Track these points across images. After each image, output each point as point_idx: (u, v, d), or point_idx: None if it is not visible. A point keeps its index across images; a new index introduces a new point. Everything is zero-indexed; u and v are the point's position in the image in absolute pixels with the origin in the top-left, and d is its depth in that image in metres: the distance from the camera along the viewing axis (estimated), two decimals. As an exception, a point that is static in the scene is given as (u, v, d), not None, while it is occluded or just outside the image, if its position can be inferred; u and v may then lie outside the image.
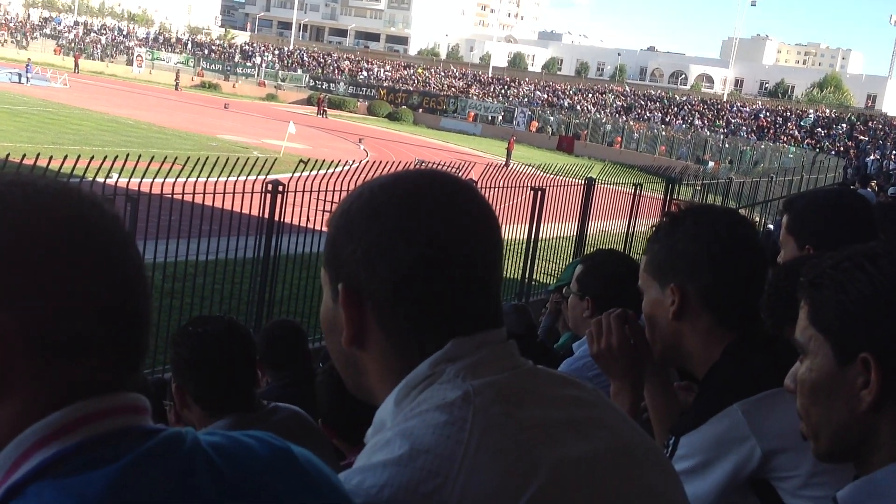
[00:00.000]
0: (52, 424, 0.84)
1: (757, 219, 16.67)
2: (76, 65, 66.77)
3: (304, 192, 8.54)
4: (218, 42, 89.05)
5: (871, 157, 44.24)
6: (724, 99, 71.63)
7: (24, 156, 7.22)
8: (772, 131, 59.13)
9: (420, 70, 79.91)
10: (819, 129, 57.63)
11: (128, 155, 7.79)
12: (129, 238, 0.93)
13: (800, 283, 1.34)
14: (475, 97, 70.51)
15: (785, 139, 56.24)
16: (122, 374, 0.90)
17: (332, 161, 9.52)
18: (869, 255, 1.25)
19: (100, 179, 6.92)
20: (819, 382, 1.29)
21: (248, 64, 78.22)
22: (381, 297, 1.11)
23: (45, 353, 0.85)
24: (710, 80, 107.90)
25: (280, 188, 8.25)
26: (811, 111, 62.33)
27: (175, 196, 7.70)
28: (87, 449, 0.83)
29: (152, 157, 7.65)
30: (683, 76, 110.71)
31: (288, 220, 8.40)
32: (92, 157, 7.16)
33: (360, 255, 1.11)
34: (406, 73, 79.13)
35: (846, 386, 1.25)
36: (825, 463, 1.38)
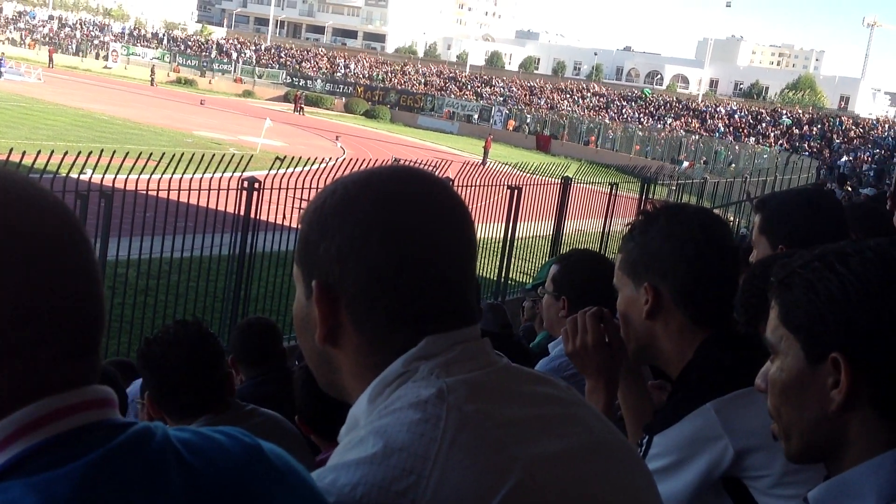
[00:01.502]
0: (17, 421, 0.83)
1: (731, 218, 16.79)
2: (50, 59, 66.11)
3: (280, 189, 8.51)
4: (194, 38, 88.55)
5: (844, 159, 44.70)
6: (700, 99, 72.05)
7: (-4, 151, 7.15)
8: (746, 132, 59.54)
9: (397, 67, 79.83)
10: (794, 130, 58.09)
11: (102, 151, 7.72)
12: (71, 223, 0.90)
13: (770, 283, 1.34)
14: (452, 95, 70.52)
15: (758, 139, 56.65)
16: (83, 367, 0.89)
17: (309, 158, 9.49)
18: (839, 254, 1.25)
19: (73, 175, 6.86)
20: (790, 382, 1.29)
21: (225, 60, 77.80)
22: (356, 294, 1.11)
23: None
24: (685, 80, 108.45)
25: (256, 185, 8.21)
26: (784, 112, 62.80)
27: (150, 193, 7.66)
28: (55, 445, 0.82)
29: (127, 153, 7.59)
30: (659, 76, 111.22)
31: (264, 217, 8.37)
32: (66, 153, 7.09)
33: (334, 252, 1.10)
34: (383, 70, 79.01)
35: (817, 386, 1.25)
36: (796, 463, 1.39)
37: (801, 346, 1.27)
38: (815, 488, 1.27)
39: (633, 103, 68.56)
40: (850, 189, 21.33)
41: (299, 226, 1.18)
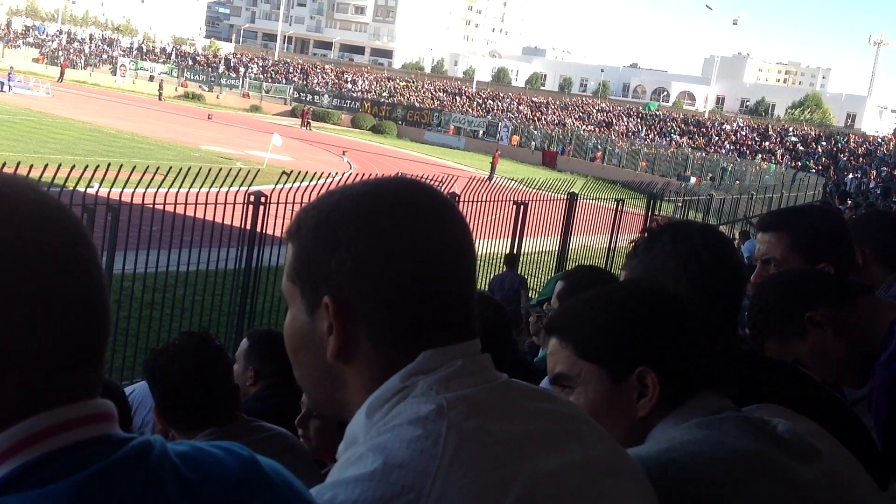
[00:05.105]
0: (16, 435, 0.83)
1: (736, 235, 16.77)
2: (62, 73, 66.40)
3: (286, 203, 8.53)
4: (202, 53, 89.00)
5: (851, 176, 44.65)
6: (706, 116, 72.07)
7: (3, 164, 7.18)
8: (752, 149, 59.50)
9: (404, 83, 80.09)
10: (800, 147, 58.07)
11: (109, 165, 7.75)
12: (76, 230, 0.89)
13: (549, 329, 1.57)
14: (459, 111, 70.69)
15: (765, 157, 56.63)
16: (86, 378, 0.88)
17: (316, 173, 9.50)
18: (608, 293, 1.56)
19: (81, 189, 6.89)
20: (597, 405, 1.48)
21: (233, 75, 78.15)
22: (375, 308, 1.10)
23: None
24: (691, 97, 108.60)
25: (262, 199, 8.24)
26: (790, 129, 62.79)
27: (157, 206, 7.68)
28: (53, 461, 0.82)
29: (134, 167, 7.63)
30: (665, 93, 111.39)
31: (270, 231, 8.38)
32: (73, 167, 7.12)
33: (350, 266, 1.09)
34: (390, 85, 79.26)
35: (623, 400, 1.48)
36: None
37: (606, 372, 1.48)
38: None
39: (639, 120, 68.60)
40: (854, 206, 21.31)
41: (292, 241, 1.15)
